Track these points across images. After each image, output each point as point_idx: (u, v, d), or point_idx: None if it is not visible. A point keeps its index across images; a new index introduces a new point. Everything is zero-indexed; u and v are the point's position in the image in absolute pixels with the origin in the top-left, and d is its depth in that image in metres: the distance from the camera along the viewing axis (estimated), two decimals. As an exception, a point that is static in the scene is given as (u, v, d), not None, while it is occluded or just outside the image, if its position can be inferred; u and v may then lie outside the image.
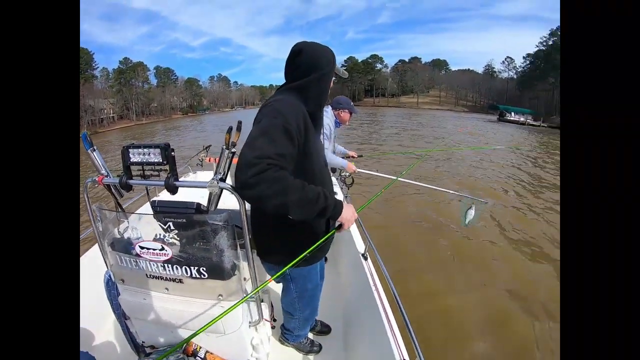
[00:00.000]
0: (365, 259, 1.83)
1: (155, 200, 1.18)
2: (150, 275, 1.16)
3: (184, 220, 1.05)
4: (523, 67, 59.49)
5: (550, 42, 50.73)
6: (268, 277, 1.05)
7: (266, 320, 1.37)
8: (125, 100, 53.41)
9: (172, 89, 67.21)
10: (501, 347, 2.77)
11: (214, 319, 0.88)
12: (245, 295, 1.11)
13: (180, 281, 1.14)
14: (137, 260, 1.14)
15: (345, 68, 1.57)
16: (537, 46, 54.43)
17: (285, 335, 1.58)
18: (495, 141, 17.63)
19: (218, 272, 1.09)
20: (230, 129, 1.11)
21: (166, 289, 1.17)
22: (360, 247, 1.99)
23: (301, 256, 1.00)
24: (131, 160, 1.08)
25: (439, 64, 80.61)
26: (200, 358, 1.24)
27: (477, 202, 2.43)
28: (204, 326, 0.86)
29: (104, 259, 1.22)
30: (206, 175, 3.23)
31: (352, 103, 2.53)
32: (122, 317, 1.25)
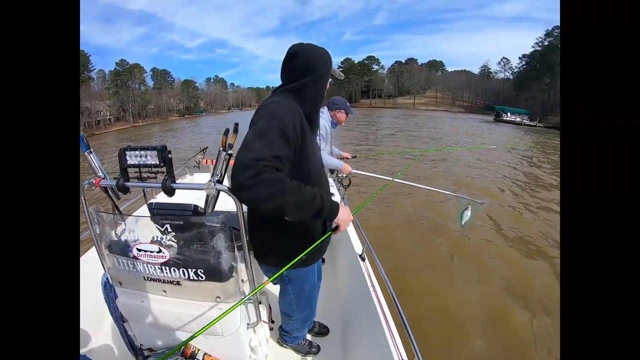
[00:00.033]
0: (363, 259, 1.83)
1: (152, 203, 1.18)
2: (147, 277, 1.16)
3: (181, 222, 1.05)
4: (519, 68, 60.07)
5: (546, 43, 51.19)
6: (265, 278, 1.05)
7: (264, 322, 1.37)
8: (121, 102, 53.13)
9: (169, 91, 67.08)
10: (499, 345, 2.79)
11: (212, 321, 0.88)
12: (243, 297, 1.11)
13: (178, 283, 1.14)
14: (135, 263, 1.14)
15: (341, 69, 1.58)
16: (533, 47, 55.10)
17: (284, 336, 1.58)
18: (492, 141, 17.73)
19: (216, 274, 1.09)
20: (227, 130, 1.11)
21: (164, 291, 1.17)
22: (358, 247, 1.99)
23: (298, 257, 1.00)
24: (128, 163, 1.08)
25: (435, 65, 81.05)
26: (199, 360, 1.24)
27: (473, 202, 2.43)
28: (202, 328, 0.86)
29: (102, 261, 1.22)
30: (203, 177, 3.22)
31: (348, 104, 2.54)
32: (119, 319, 1.25)
